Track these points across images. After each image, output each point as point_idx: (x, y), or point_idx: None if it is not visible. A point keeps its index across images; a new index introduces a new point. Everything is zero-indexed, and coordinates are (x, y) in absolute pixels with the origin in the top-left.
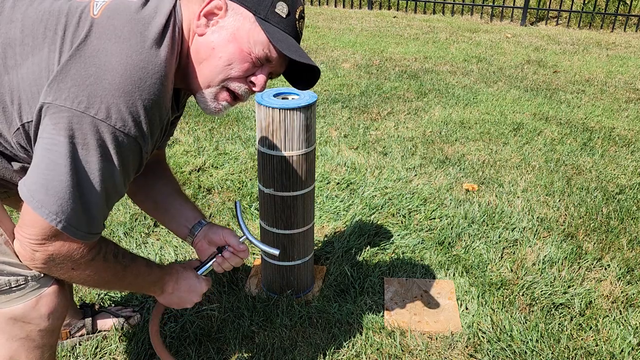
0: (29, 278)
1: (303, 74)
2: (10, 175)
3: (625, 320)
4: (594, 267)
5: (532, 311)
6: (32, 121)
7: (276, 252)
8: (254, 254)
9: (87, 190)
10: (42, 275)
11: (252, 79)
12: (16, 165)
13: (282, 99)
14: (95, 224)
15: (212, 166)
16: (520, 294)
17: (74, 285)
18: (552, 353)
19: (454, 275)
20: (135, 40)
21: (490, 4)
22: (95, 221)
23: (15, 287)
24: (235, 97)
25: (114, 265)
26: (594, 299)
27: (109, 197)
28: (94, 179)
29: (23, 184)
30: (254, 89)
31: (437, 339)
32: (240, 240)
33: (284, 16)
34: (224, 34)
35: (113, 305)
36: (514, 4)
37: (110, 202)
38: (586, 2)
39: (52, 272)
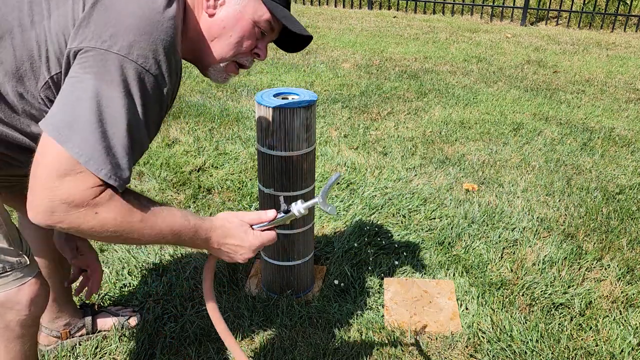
0: (15, 265)
1: (291, 39)
2: (22, 139)
3: (625, 320)
4: (594, 267)
5: (532, 311)
6: (60, 72)
7: (334, 212)
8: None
9: (111, 128)
10: (27, 264)
11: (256, 50)
12: (36, 129)
13: (282, 98)
14: (121, 166)
15: (212, 166)
16: (520, 294)
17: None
18: (552, 353)
19: (454, 275)
20: None
21: (490, 4)
22: (120, 162)
23: None
24: (240, 66)
25: (139, 208)
26: (594, 299)
27: (134, 139)
28: (119, 115)
29: (46, 122)
30: (260, 59)
31: (437, 339)
32: (307, 205)
33: None
34: (232, 13)
35: (113, 305)
36: (514, 4)
37: (135, 146)
38: (586, 2)
39: (77, 220)
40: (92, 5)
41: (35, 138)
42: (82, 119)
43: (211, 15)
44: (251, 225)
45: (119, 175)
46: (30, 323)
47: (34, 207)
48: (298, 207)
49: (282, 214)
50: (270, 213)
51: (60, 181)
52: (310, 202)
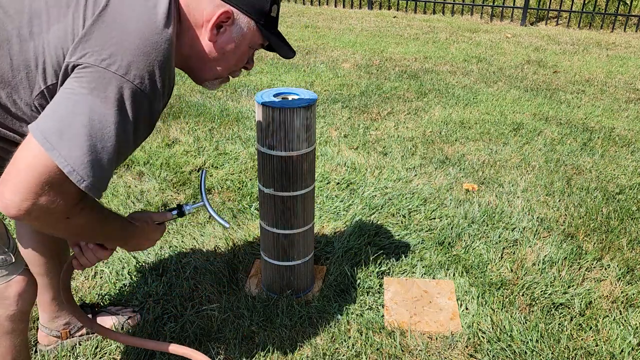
0: (0, 263)
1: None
2: (15, 137)
3: (625, 320)
4: (594, 267)
5: (532, 311)
6: (56, 82)
7: (226, 225)
8: (254, 253)
9: (100, 143)
10: (12, 262)
11: (246, 65)
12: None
13: (282, 99)
14: (103, 179)
15: (212, 166)
16: (520, 294)
17: (73, 284)
18: (552, 353)
19: (454, 275)
20: (149, 13)
21: (490, 4)
22: (103, 175)
23: None
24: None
25: (98, 216)
26: (594, 299)
27: (120, 154)
28: (109, 132)
29: (36, 127)
30: (248, 70)
31: (437, 339)
32: (195, 206)
33: (275, 16)
34: (232, 41)
35: (113, 305)
36: (514, 4)
37: (119, 160)
38: (586, 2)
39: (48, 222)
40: (92, 22)
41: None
42: (73, 131)
43: (213, 42)
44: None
45: (98, 187)
46: (20, 318)
47: (6, 201)
48: (188, 208)
49: (176, 214)
50: (169, 215)
51: (43, 188)
52: (197, 204)
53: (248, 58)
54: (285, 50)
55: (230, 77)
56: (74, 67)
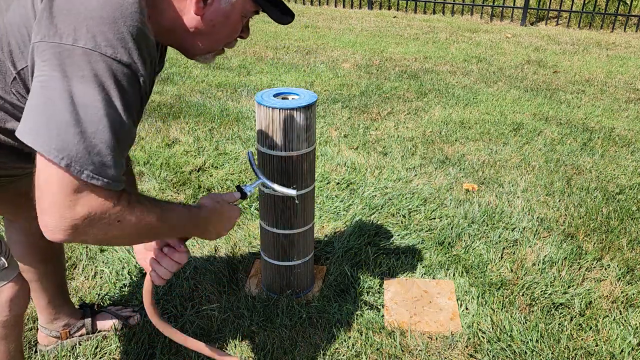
0: None
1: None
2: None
3: (625, 320)
4: (594, 267)
5: (532, 311)
6: (27, 66)
7: (293, 192)
8: (254, 253)
9: (90, 126)
10: (5, 267)
11: (241, 34)
12: (11, 125)
13: (282, 99)
14: (104, 166)
15: (212, 166)
16: (520, 294)
17: (73, 284)
18: (552, 353)
19: (454, 275)
20: None
21: (490, 4)
22: (105, 160)
23: None
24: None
25: (152, 210)
26: (594, 299)
27: (117, 133)
28: (97, 113)
29: (22, 129)
30: (244, 38)
31: (437, 339)
32: (255, 185)
33: None
34: (222, 11)
35: (113, 305)
36: (514, 4)
37: (121, 141)
38: (586, 2)
39: (100, 232)
40: None
41: (10, 134)
42: (58, 121)
43: (200, 15)
44: None
45: (104, 174)
46: (13, 323)
47: (50, 228)
48: (249, 189)
49: (239, 195)
50: (237, 194)
51: (72, 199)
52: (256, 183)
53: (242, 27)
54: (280, 15)
55: (226, 48)
56: (39, 47)
